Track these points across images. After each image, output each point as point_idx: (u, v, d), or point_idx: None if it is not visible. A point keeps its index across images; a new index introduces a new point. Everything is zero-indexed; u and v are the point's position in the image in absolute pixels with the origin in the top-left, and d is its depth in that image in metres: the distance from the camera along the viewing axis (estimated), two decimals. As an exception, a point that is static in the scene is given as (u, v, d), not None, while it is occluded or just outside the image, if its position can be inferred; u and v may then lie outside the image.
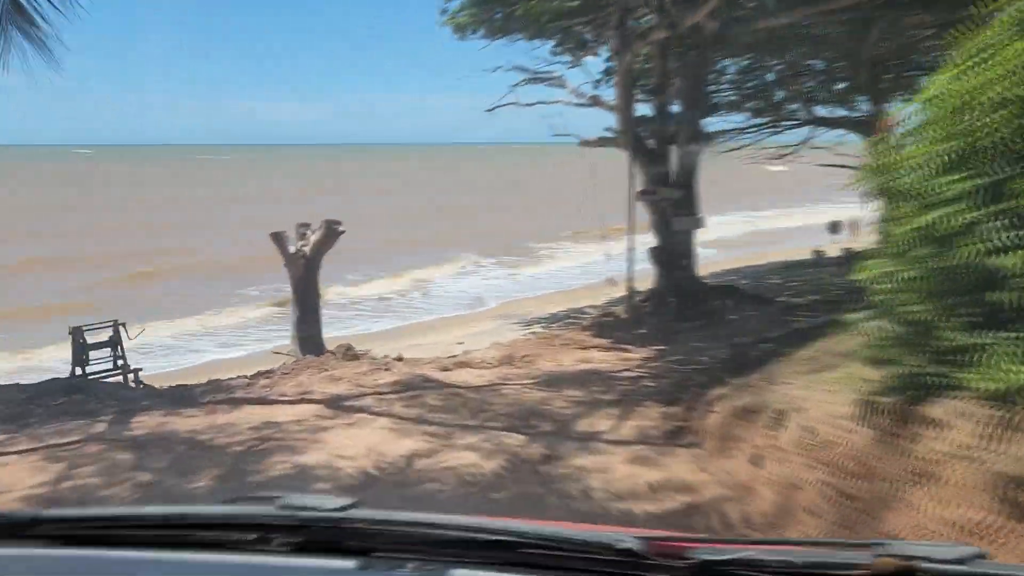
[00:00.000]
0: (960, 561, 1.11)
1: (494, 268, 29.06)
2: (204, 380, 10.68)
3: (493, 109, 17.43)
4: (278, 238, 12.99)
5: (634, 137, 14.59)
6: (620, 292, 20.37)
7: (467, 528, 1.30)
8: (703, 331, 13.20)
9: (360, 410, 8.22)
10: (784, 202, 46.99)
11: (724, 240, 30.67)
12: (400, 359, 11.92)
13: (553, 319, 19.11)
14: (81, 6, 8.59)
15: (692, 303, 14.29)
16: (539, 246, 34.05)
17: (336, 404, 8.49)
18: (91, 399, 9.31)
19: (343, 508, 1.36)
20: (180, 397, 9.29)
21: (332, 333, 19.21)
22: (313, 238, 13.32)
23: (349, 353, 12.04)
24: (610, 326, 13.75)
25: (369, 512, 1.38)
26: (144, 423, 7.90)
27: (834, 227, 26.43)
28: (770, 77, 19.01)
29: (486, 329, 18.81)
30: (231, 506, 1.53)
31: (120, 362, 10.82)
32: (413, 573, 1.24)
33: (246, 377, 10.31)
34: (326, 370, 10.32)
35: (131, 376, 10.86)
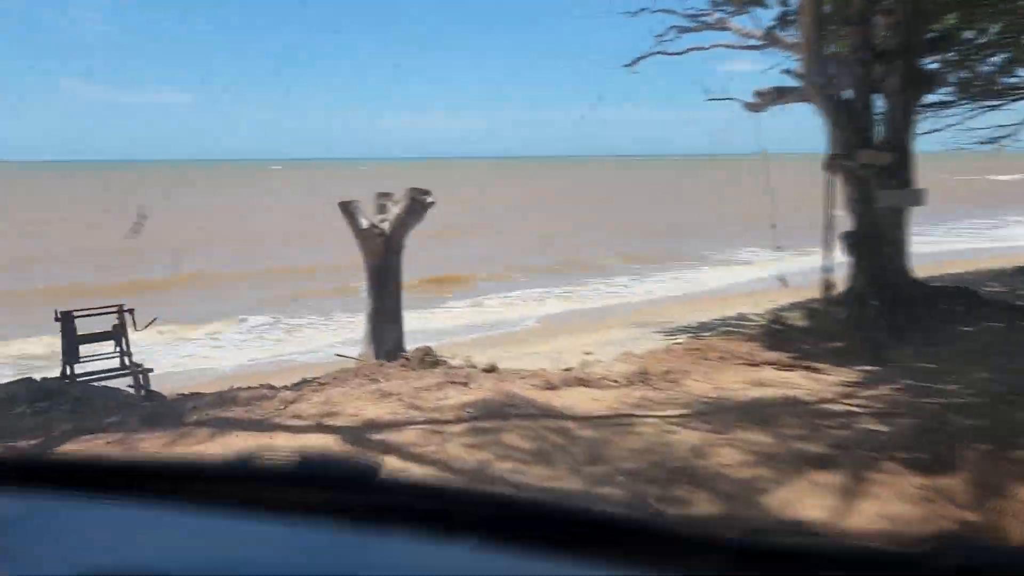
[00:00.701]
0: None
1: (637, 271, 25.43)
2: (234, 386, 7.90)
3: (635, 63, 14.02)
4: (348, 209, 10.13)
5: (825, 83, 10.76)
6: (794, 297, 16.49)
7: (500, 501, 1.27)
8: (930, 347, 9.22)
9: (392, 449, 5.06)
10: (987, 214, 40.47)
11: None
12: (492, 370, 8.72)
13: (703, 328, 15.37)
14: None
15: (906, 308, 10.27)
16: (688, 250, 30.11)
17: (360, 437, 5.39)
18: (54, 409, 6.68)
19: (366, 468, 1.26)
20: (165, 412, 6.49)
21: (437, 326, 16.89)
22: (395, 211, 10.37)
23: (426, 359, 8.97)
24: (786, 337, 9.97)
25: (392, 477, 1.30)
26: (71, 453, 5.07)
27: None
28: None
29: (618, 337, 15.30)
30: (253, 460, 1.30)
31: (126, 360, 8.26)
32: (442, 544, 1.15)
33: (271, 388, 7.40)
34: (378, 381, 7.26)
35: (139, 378, 8.28)
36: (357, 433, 5.47)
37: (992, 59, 14.62)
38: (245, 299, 19.82)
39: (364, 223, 10.12)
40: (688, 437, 5.48)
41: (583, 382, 7.57)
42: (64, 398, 6.96)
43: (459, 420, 5.78)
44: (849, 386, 7.44)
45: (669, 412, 6.25)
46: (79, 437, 5.66)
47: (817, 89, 10.77)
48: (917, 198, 10.59)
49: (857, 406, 6.42)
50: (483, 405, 6.17)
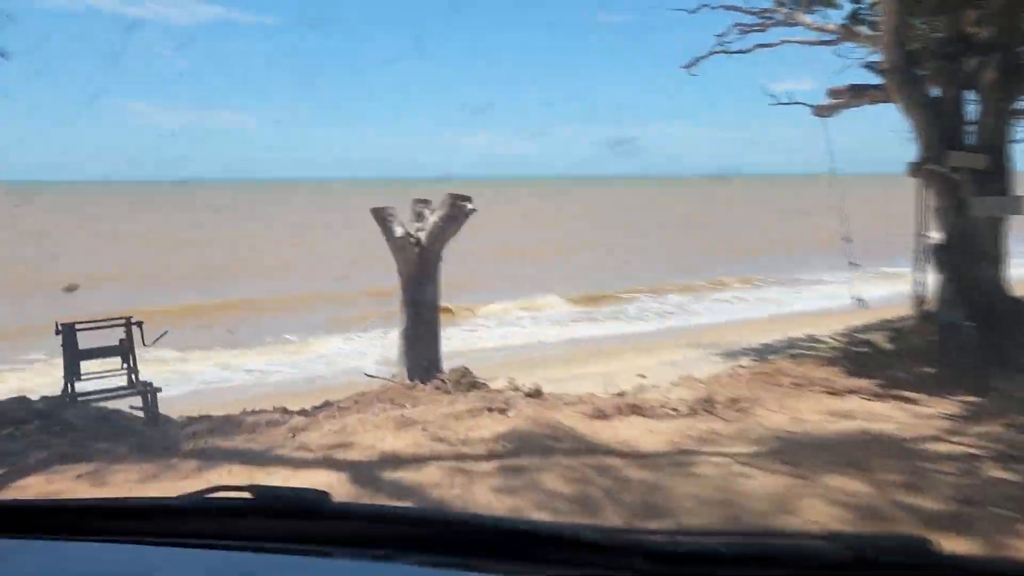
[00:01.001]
0: (907, 550, 1.13)
1: (694, 290, 24.23)
2: (247, 409, 7.14)
3: (693, 64, 13.05)
4: (381, 215, 9.36)
5: (910, 79, 9.65)
6: (868, 318, 15.21)
7: (442, 520, 1.35)
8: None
9: (406, 492, 4.21)
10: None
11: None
12: (536, 394, 7.81)
13: (768, 350, 14.20)
14: None
15: (1005, 329, 9.05)
16: (749, 270, 28.77)
17: (370, 476, 4.54)
18: (42, 432, 5.99)
19: (317, 496, 1.33)
20: (158, 440, 5.73)
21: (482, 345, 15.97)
22: (432, 218, 9.57)
23: (463, 381, 8.11)
24: (870, 361, 8.84)
25: (345, 503, 1.40)
26: (28, 487, 4.36)
27: None
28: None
29: (674, 360, 14.24)
30: (207, 496, 1.39)
31: (134, 377, 7.55)
32: (388, 563, 1.22)
33: (285, 412, 6.61)
34: (403, 406, 6.41)
35: (147, 399, 7.56)
36: (368, 470, 4.62)
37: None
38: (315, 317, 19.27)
39: (399, 231, 9.33)
40: (766, 482, 4.49)
41: (638, 410, 6.61)
42: (55, 420, 6.27)
43: (491, 455, 4.88)
44: (952, 420, 6.32)
45: (740, 449, 5.26)
46: (52, 467, 4.93)
47: (901, 85, 9.66)
48: (1017, 206, 9.36)
49: (970, 447, 5.32)
50: (521, 437, 5.26)
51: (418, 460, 4.80)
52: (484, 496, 4.16)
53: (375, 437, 5.29)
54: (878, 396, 7.23)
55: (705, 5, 12.47)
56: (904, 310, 16.86)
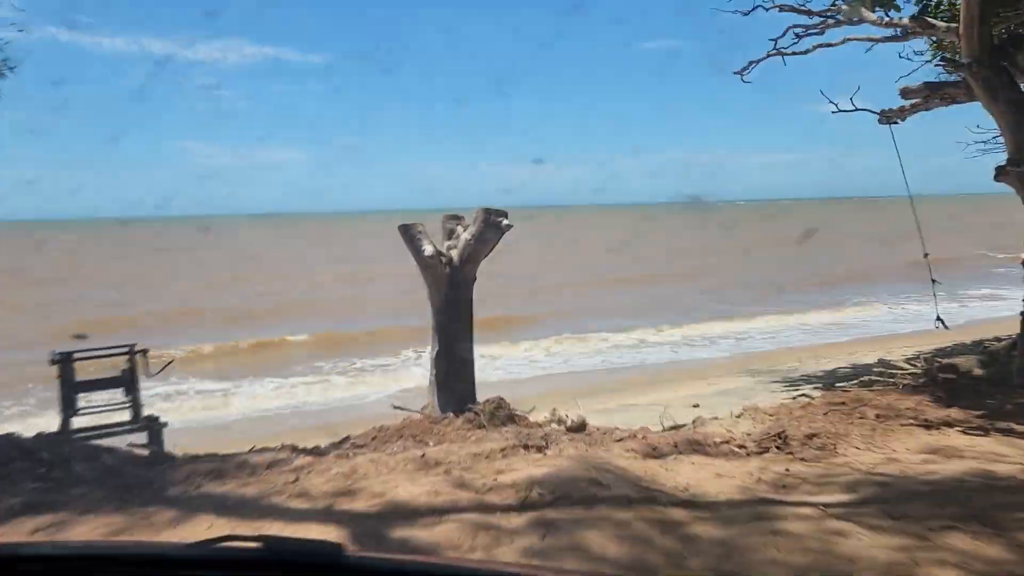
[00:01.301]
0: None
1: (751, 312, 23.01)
2: (256, 446, 6.35)
3: (745, 70, 12.14)
4: (409, 233, 8.60)
5: (995, 71, 8.64)
6: (954, 338, 13.97)
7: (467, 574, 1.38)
8: None
9: (415, 549, 3.34)
10: None
11: None
12: (580, 428, 6.92)
13: (832, 377, 13.04)
14: None
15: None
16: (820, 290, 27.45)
17: (375, 532, 3.70)
18: (24, 474, 5.30)
19: (331, 549, 1.30)
20: (143, 483, 4.96)
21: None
22: (464, 235, 8.78)
23: (497, 414, 7.25)
24: (962, 389, 7.75)
25: (358, 554, 1.35)
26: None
27: None
28: None
29: (730, 387, 13.17)
30: (215, 546, 1.37)
31: (138, 411, 6.83)
32: None
33: (293, 450, 5.79)
34: (426, 444, 5.57)
35: (153, 434, 6.83)
36: (372, 525, 3.77)
37: None
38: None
39: (428, 250, 8.55)
40: (872, 543, 3.53)
41: (698, 447, 5.67)
42: (42, 461, 5.57)
43: (524, 506, 4.00)
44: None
45: (831, 497, 4.29)
46: (14, 518, 4.20)
47: (984, 79, 8.64)
48: None
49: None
50: (560, 483, 4.37)
51: (435, 512, 3.94)
52: (511, 560, 3.29)
53: (387, 482, 4.45)
54: (982, 430, 6.17)
55: (758, 6, 11.60)
56: (981, 332, 15.60)
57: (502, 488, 4.27)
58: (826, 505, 4.11)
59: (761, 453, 5.64)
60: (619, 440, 5.95)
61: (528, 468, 4.68)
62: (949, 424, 6.32)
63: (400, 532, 3.69)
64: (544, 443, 5.58)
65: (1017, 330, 11.66)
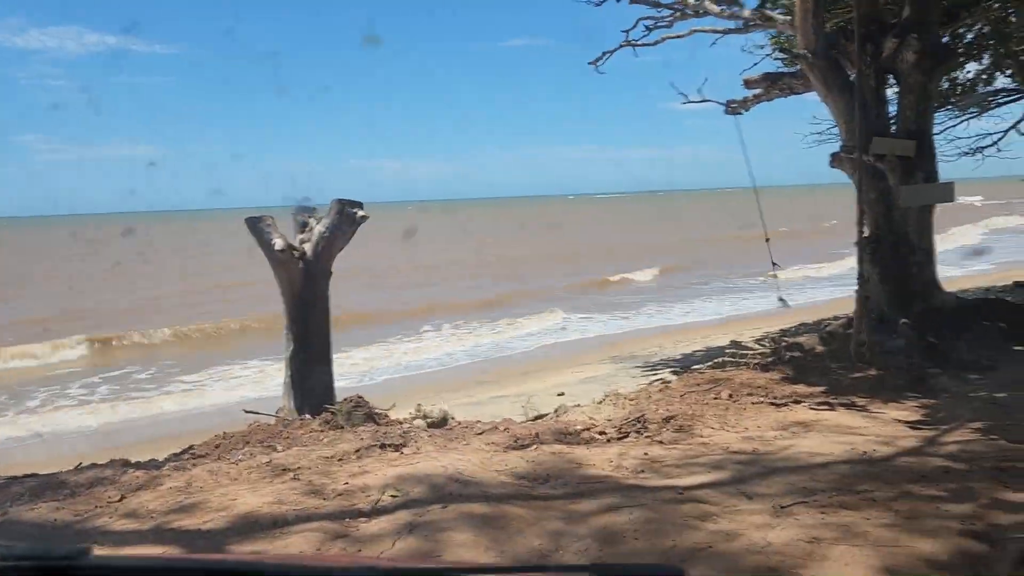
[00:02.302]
0: None
1: (599, 304, 23.49)
2: (82, 463, 5.71)
3: (599, 60, 12.31)
4: (256, 227, 8.10)
5: (828, 63, 9.11)
6: (792, 320, 14.74)
7: (219, 570, 1.35)
8: (984, 372, 7.44)
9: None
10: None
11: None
12: (441, 423, 6.73)
13: (691, 360, 13.47)
14: None
15: (942, 326, 8.50)
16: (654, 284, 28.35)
17: (209, 551, 3.32)
18: None
19: (75, 551, 1.21)
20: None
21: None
22: (318, 228, 8.36)
23: (355, 413, 6.92)
24: (807, 366, 8.10)
25: (102, 557, 1.31)
26: None
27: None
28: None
29: (594, 375, 13.34)
30: None
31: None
32: None
33: (125, 464, 5.24)
34: (274, 449, 5.19)
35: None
36: (209, 543, 3.41)
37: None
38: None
39: (279, 243, 8.07)
40: (744, 526, 3.50)
41: (560, 436, 5.59)
42: None
43: (376, 511, 3.75)
44: (916, 428, 5.55)
45: (690, 479, 4.29)
46: None
47: (819, 70, 9.10)
48: (945, 193, 8.89)
49: (954, 462, 4.51)
50: (416, 483, 4.14)
51: (281, 523, 3.62)
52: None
53: (228, 494, 4.07)
54: (826, 404, 6.43)
55: (609, -3, 11.75)
56: (827, 312, 16.61)
57: (354, 492, 4.00)
58: (688, 489, 4.09)
59: (622, 438, 5.62)
60: (480, 433, 5.78)
61: (383, 469, 4.43)
62: (796, 400, 6.56)
63: (242, 548, 3.36)
64: (402, 441, 5.33)
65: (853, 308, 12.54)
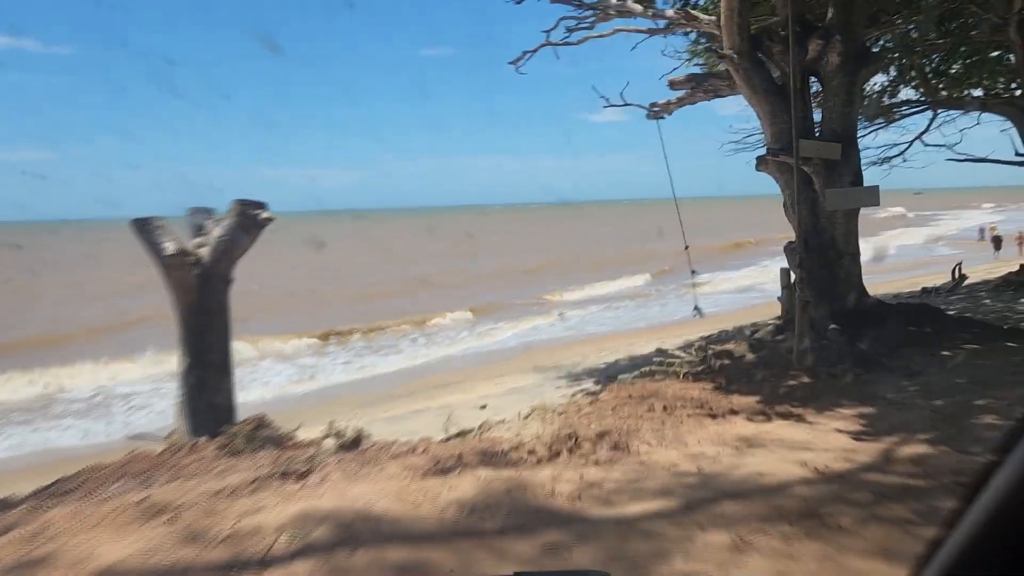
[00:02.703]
0: None
1: (518, 313, 23.09)
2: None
3: (519, 60, 11.87)
4: (144, 228, 7.28)
5: (754, 64, 8.90)
6: (712, 327, 14.62)
7: None
8: (914, 377, 7.28)
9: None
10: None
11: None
12: (354, 444, 6.09)
13: (615, 369, 13.14)
14: None
15: (870, 331, 8.36)
16: (580, 285, 28.16)
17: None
18: None
19: None
20: None
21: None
22: (216, 231, 7.59)
23: (256, 435, 6.22)
24: (737, 374, 7.81)
25: None
26: None
27: (996, 242, 21.26)
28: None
29: (518, 386, 12.86)
30: None
31: None
32: None
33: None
34: (151, 484, 4.45)
35: None
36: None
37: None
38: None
39: (170, 247, 7.28)
40: (705, 565, 3.03)
41: (488, 457, 5.04)
42: None
43: (269, 561, 3.12)
44: (862, 441, 5.24)
45: (635, 507, 3.80)
46: None
47: (744, 71, 8.88)
48: (871, 197, 8.77)
49: (909, 477, 4.18)
50: (321, 521, 3.53)
51: (149, 581, 2.95)
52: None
53: (89, 541, 3.37)
54: (763, 415, 6.10)
55: (530, -6, 11.33)
56: (742, 319, 16.58)
57: (243, 536, 3.36)
58: (635, 520, 3.61)
59: (553, 458, 5.13)
60: (397, 456, 5.18)
61: (281, 505, 3.79)
62: (733, 411, 6.20)
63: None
64: (307, 468, 4.68)
65: (774, 314, 12.44)
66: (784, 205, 9.43)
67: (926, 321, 8.88)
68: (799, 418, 5.98)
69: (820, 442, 5.02)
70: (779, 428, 5.62)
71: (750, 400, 6.59)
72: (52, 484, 5.17)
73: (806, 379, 7.36)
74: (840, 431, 5.49)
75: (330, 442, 7.28)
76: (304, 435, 7.26)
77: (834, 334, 8.27)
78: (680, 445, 5.16)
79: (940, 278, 18.34)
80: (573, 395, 11.47)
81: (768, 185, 9.67)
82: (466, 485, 4.34)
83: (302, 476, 4.51)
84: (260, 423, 6.53)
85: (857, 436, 5.30)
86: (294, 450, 6.14)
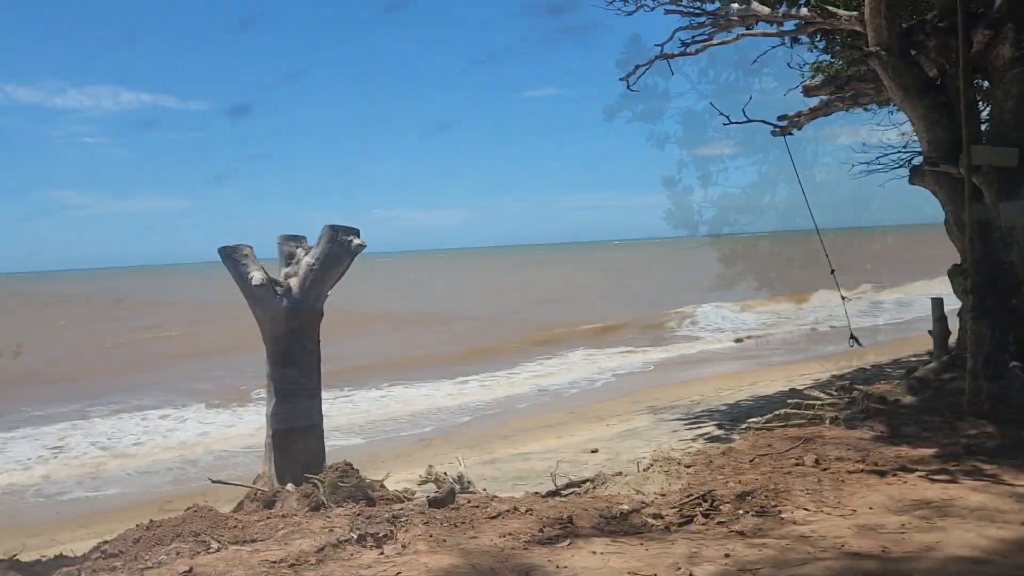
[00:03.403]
0: None
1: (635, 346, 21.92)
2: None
3: (631, 75, 11.06)
4: (232, 257, 6.82)
5: (906, 61, 7.75)
6: (849, 363, 13.20)
7: None
8: None
9: None
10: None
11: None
12: (447, 499, 5.27)
13: (738, 410, 11.93)
14: None
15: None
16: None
17: None
18: None
19: None
20: None
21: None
22: (305, 259, 7.07)
23: (343, 485, 5.53)
24: (900, 420, 6.58)
25: None
26: None
27: None
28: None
29: (632, 427, 11.84)
30: None
31: None
32: None
33: (16, 565, 3.88)
34: (207, 544, 3.78)
35: None
36: None
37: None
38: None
39: (257, 277, 6.77)
40: None
41: (604, 522, 4.13)
42: None
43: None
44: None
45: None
46: None
47: (895, 70, 7.72)
48: (1056, 211, 7.37)
49: None
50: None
51: None
52: None
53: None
54: (946, 473, 4.92)
55: (642, 6, 10.53)
56: (883, 354, 14.96)
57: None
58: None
59: (684, 524, 4.17)
60: (495, 517, 4.35)
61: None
62: (905, 469, 5.05)
63: None
64: (388, 531, 3.91)
65: (927, 347, 10.95)
66: (946, 223, 8.15)
67: None
68: (995, 478, 4.78)
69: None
70: (970, 492, 4.45)
71: (923, 453, 5.40)
72: (94, 549, 4.59)
73: (989, 428, 6.08)
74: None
75: (427, 489, 6.56)
76: (403, 475, 6.57)
77: (1017, 373, 6.91)
78: (846, 511, 4.10)
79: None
80: (693, 439, 10.41)
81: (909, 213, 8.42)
82: (578, 560, 3.45)
83: (379, 542, 3.74)
84: (345, 471, 5.85)
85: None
86: (384, 501, 5.43)
